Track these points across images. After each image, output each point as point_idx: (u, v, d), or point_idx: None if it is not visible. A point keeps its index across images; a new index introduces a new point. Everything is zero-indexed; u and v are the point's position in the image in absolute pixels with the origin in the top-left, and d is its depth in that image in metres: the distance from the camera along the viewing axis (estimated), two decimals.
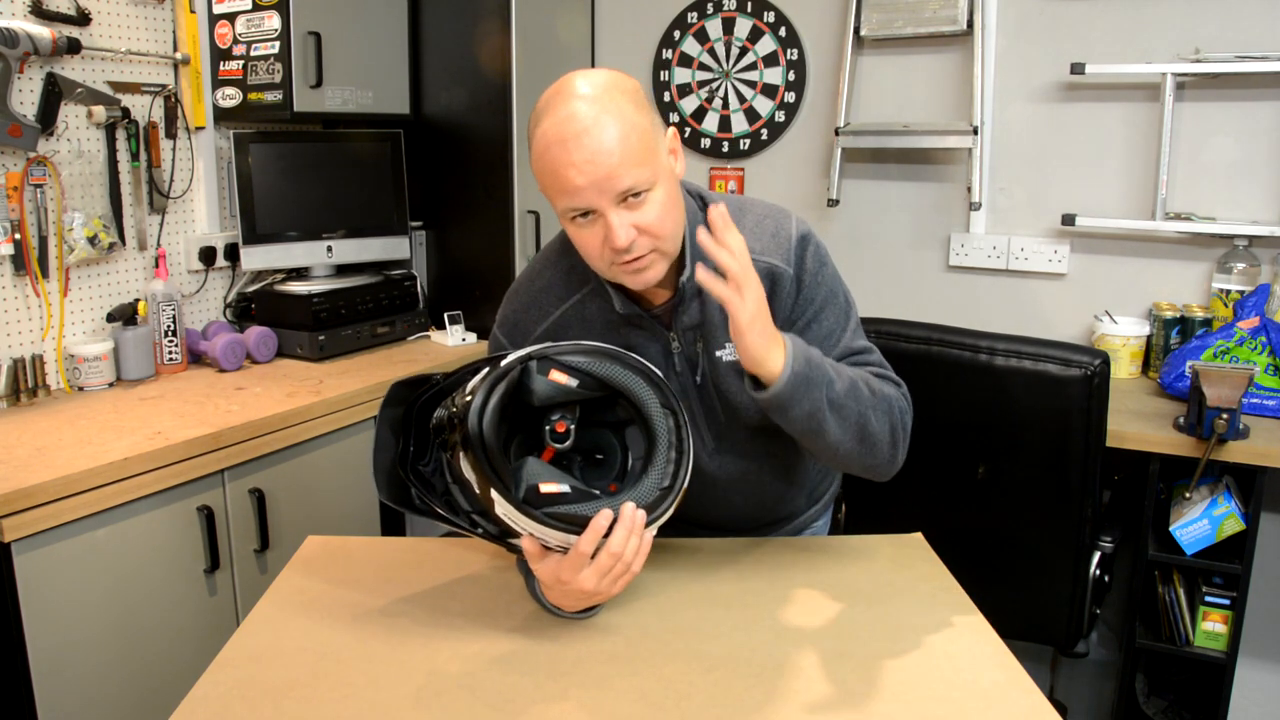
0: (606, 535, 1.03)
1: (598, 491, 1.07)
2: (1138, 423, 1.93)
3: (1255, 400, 1.95)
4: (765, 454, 1.33)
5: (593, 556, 1.03)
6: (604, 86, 1.10)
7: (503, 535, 1.08)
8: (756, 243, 1.23)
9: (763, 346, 1.08)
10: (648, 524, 1.05)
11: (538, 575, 1.09)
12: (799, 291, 1.24)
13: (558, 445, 1.08)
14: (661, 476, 1.07)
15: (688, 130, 2.86)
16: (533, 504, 1.01)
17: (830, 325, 1.26)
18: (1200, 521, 1.87)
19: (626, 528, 1.03)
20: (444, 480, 1.12)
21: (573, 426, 1.08)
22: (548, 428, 1.08)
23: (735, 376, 1.26)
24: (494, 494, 1.00)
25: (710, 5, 2.76)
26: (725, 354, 1.25)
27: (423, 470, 1.13)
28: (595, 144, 1.06)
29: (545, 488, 1.02)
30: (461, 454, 1.03)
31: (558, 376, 1.06)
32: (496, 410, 1.01)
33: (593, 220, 1.11)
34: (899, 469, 1.27)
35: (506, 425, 1.07)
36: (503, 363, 1.05)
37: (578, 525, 1.02)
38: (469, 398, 1.02)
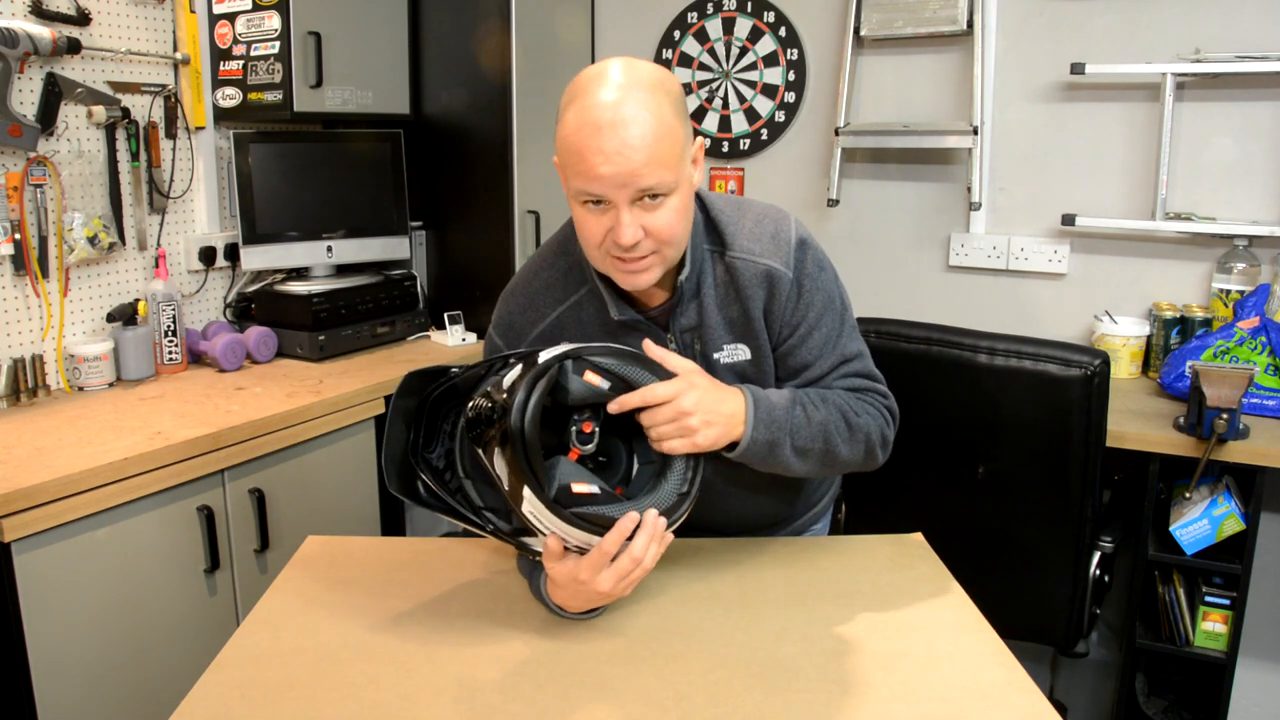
0: (629, 538, 1.03)
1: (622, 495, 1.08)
2: (1138, 423, 1.93)
3: (1255, 400, 1.95)
4: None
5: (613, 558, 1.04)
6: (649, 82, 1.08)
7: (515, 533, 1.09)
8: (755, 244, 1.23)
9: (724, 437, 1.13)
10: (666, 528, 1.06)
11: (553, 574, 1.08)
12: (799, 296, 1.24)
13: (583, 447, 1.09)
14: (680, 482, 1.09)
15: None
16: (563, 503, 1.01)
17: (827, 332, 1.26)
18: (1200, 521, 1.87)
19: (649, 534, 1.04)
20: (454, 473, 1.12)
21: (598, 428, 1.09)
22: (574, 429, 1.08)
23: (733, 378, 1.26)
24: (526, 491, 1.00)
25: (710, 5, 2.76)
26: (723, 356, 1.25)
27: (431, 460, 1.13)
28: (628, 136, 1.04)
29: (577, 488, 1.02)
30: (498, 449, 1.02)
31: (592, 378, 1.06)
32: (539, 408, 1.01)
33: (603, 210, 1.10)
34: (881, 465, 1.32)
35: None
36: (540, 360, 1.05)
37: (602, 527, 1.03)
38: (505, 394, 1.02)
